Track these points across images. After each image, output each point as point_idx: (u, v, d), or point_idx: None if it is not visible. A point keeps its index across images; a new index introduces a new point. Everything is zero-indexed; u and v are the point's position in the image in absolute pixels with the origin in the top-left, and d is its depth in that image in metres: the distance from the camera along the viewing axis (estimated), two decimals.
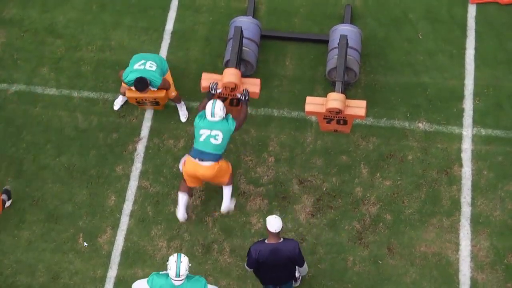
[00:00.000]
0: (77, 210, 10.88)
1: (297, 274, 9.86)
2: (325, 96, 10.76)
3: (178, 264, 8.70)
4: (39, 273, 10.50)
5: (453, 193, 10.73)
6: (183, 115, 11.33)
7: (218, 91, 10.57)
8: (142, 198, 10.93)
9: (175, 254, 8.78)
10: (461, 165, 10.90)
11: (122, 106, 11.48)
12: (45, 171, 11.13)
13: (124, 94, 11.17)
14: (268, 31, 11.88)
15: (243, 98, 10.48)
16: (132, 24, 12.19)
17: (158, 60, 10.97)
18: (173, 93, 11.10)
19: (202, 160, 10.10)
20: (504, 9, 11.96)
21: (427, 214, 10.62)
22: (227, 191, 10.50)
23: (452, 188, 10.76)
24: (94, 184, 11.03)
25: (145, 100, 11.06)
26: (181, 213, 10.51)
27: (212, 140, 10.09)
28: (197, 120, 10.17)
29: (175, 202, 10.84)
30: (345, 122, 10.84)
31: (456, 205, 10.66)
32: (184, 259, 8.74)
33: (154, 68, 10.77)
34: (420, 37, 11.82)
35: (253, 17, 11.89)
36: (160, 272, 9.02)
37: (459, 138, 11.09)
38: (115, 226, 10.77)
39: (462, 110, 11.27)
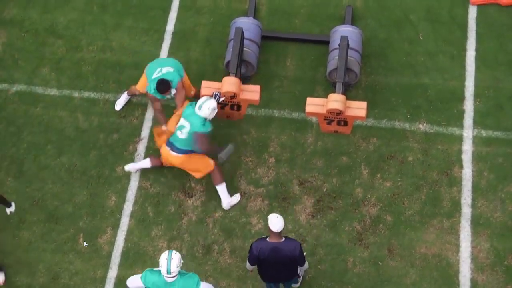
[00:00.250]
0: (78, 211, 10.88)
1: (299, 272, 9.86)
2: (326, 97, 10.77)
3: (169, 261, 8.70)
4: (39, 274, 10.51)
5: (453, 194, 10.73)
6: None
7: (221, 99, 10.63)
8: (143, 198, 10.94)
9: (167, 251, 8.78)
10: (461, 167, 10.90)
11: (123, 107, 11.48)
12: (46, 172, 11.14)
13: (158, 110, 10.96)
14: (269, 32, 11.88)
15: (216, 100, 10.61)
16: (133, 25, 12.20)
17: (173, 63, 10.89)
18: (192, 92, 11.12)
19: (172, 150, 10.48)
20: (504, 10, 11.96)
21: (428, 216, 10.62)
22: (219, 189, 10.63)
23: (453, 189, 10.76)
24: (94, 184, 11.03)
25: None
26: (131, 166, 10.90)
27: (179, 133, 10.39)
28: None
29: (175, 203, 10.84)
30: (345, 123, 10.85)
31: (456, 206, 10.66)
32: (176, 256, 8.73)
33: (171, 70, 10.74)
34: (421, 38, 11.83)
35: (254, 18, 11.89)
36: (154, 269, 9.01)
37: (459, 139, 11.09)
38: (116, 227, 10.77)
39: (462, 111, 11.28)
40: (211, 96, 10.61)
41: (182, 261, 8.81)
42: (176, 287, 8.81)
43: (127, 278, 10.06)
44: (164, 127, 10.83)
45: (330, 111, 10.57)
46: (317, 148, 11.15)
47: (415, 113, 11.29)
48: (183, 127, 10.40)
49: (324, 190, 10.85)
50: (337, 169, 10.98)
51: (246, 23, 11.52)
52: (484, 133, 11.11)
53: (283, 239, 9.09)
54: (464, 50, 11.71)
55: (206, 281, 10.31)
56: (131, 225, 10.77)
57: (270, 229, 9.00)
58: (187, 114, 10.42)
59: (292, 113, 11.42)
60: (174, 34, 12.10)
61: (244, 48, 11.34)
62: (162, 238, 10.63)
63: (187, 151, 10.48)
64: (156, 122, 11.26)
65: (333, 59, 11.20)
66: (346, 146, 11.14)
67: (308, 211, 10.72)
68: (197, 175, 10.71)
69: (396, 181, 10.85)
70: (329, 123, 10.89)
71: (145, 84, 10.83)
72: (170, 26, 12.16)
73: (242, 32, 11.22)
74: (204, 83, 10.82)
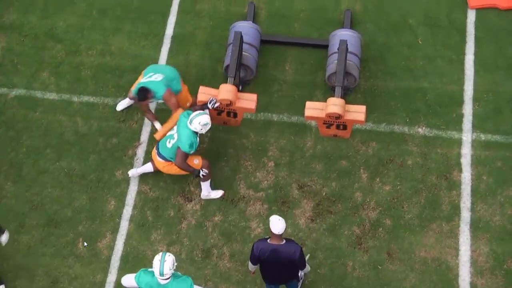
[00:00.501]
0: (77, 215, 10.88)
1: (300, 274, 9.86)
2: (325, 101, 10.78)
3: (162, 263, 8.71)
4: (38, 278, 10.50)
5: (452, 198, 10.74)
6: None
7: (216, 105, 10.63)
8: (142, 202, 10.93)
9: (160, 253, 8.78)
10: (460, 170, 10.91)
11: (124, 110, 11.46)
12: (45, 176, 11.13)
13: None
14: (268, 36, 11.90)
15: (210, 106, 10.62)
16: (132, 29, 12.21)
17: (168, 72, 10.91)
18: (187, 103, 11.08)
19: (158, 154, 10.59)
20: (503, 14, 11.98)
21: (427, 219, 10.62)
22: (202, 184, 10.78)
23: (452, 193, 10.77)
24: (93, 188, 11.03)
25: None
26: (133, 171, 10.98)
27: (167, 142, 10.49)
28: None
29: (175, 207, 10.84)
30: (344, 127, 10.85)
31: (455, 210, 10.66)
32: (169, 258, 8.73)
33: (159, 78, 10.75)
34: (420, 42, 11.84)
35: (253, 22, 11.90)
36: (148, 269, 9.01)
37: (458, 143, 11.10)
38: (115, 231, 10.76)
39: (461, 115, 11.28)
40: (207, 103, 10.64)
41: (175, 264, 8.81)
42: None
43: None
44: (157, 124, 10.93)
45: (329, 115, 10.57)
46: (316, 152, 11.15)
47: (414, 117, 11.30)
48: (172, 137, 10.46)
49: (324, 194, 10.85)
50: (337, 173, 10.99)
51: (245, 27, 11.54)
52: (483, 137, 11.12)
53: (284, 241, 9.10)
54: (463, 54, 11.72)
55: (206, 285, 10.31)
56: (131, 229, 10.76)
57: (271, 231, 9.00)
58: (179, 125, 10.45)
59: (291, 117, 11.42)
60: (174, 38, 12.11)
61: (243, 52, 11.35)
62: (161, 242, 10.63)
63: (170, 160, 10.54)
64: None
65: (332, 63, 11.20)
66: (345, 150, 11.14)
67: (307, 215, 10.72)
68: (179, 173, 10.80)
69: (395, 185, 10.85)
70: (328, 127, 10.89)
71: None
72: (169, 30, 12.17)
73: (241, 36, 11.23)
74: (202, 89, 10.83)
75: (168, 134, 10.57)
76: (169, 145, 10.48)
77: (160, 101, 10.83)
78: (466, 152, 11.03)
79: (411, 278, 10.29)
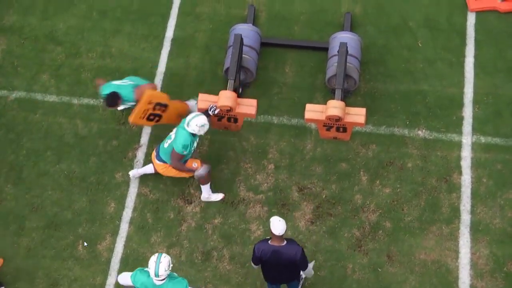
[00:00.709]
0: (77, 217, 10.88)
1: (302, 275, 9.86)
2: (325, 103, 10.78)
3: (157, 264, 8.71)
4: (38, 280, 10.49)
5: (452, 200, 10.74)
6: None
7: (216, 111, 10.63)
8: (142, 205, 10.93)
9: (156, 254, 8.78)
10: (460, 173, 10.91)
11: (124, 110, 11.42)
12: (45, 178, 11.13)
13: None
14: (268, 39, 11.90)
15: (211, 112, 10.63)
16: (132, 31, 12.22)
17: (139, 80, 10.91)
18: (186, 111, 11.08)
19: (156, 157, 10.58)
20: (503, 17, 11.99)
21: (427, 222, 10.62)
22: (202, 187, 10.78)
23: (452, 195, 10.77)
24: (93, 191, 11.03)
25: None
26: (134, 171, 10.99)
27: (165, 143, 10.49)
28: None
29: (175, 209, 10.84)
30: (344, 130, 10.86)
31: (455, 212, 10.66)
32: (164, 260, 8.73)
33: (128, 83, 10.70)
34: (420, 45, 11.85)
35: (253, 24, 11.91)
36: (145, 269, 9.01)
37: (458, 145, 11.10)
38: (115, 233, 10.76)
39: (461, 118, 11.29)
40: (206, 109, 10.65)
41: (171, 265, 8.80)
42: None
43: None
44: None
45: (329, 118, 10.58)
46: (316, 154, 11.16)
47: (414, 120, 11.31)
48: (170, 138, 10.46)
49: (323, 196, 10.85)
50: (336, 175, 10.99)
51: (245, 30, 11.54)
52: (483, 139, 11.12)
53: (285, 242, 9.09)
54: (463, 57, 11.73)
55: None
56: (130, 232, 10.76)
57: (272, 232, 9.01)
58: (178, 128, 10.44)
59: (291, 120, 11.43)
60: (174, 40, 12.11)
61: (243, 55, 11.35)
62: (161, 244, 10.63)
63: (168, 162, 10.54)
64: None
65: (332, 66, 11.21)
66: (345, 152, 11.14)
67: (307, 218, 10.72)
68: (177, 176, 10.79)
69: (395, 188, 10.85)
70: (328, 130, 10.90)
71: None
72: (170, 33, 12.18)
73: (241, 39, 11.23)
74: (201, 96, 10.83)
75: (167, 136, 10.56)
76: (166, 145, 10.48)
77: (132, 103, 10.69)
78: (466, 154, 11.03)
79: (411, 280, 10.29)
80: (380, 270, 10.37)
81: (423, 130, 11.23)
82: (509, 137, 11.10)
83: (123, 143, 11.34)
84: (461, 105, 11.39)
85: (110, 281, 10.45)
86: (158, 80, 11.77)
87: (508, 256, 10.36)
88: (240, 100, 10.79)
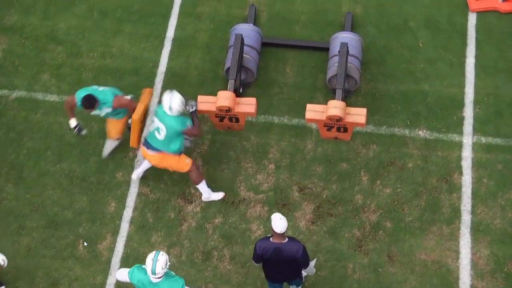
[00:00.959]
0: (77, 217, 10.88)
1: (303, 273, 9.85)
2: (326, 103, 10.77)
3: (154, 262, 8.70)
4: (38, 280, 10.49)
5: (453, 201, 10.74)
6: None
7: (194, 109, 10.52)
8: (142, 204, 10.93)
9: (154, 252, 8.77)
10: (461, 173, 10.91)
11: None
12: (46, 178, 11.13)
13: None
14: (268, 39, 11.90)
15: (190, 109, 10.56)
16: (133, 31, 12.22)
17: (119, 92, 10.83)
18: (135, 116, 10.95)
19: (148, 149, 10.48)
20: (504, 17, 11.99)
21: (427, 222, 10.62)
22: (199, 187, 10.75)
23: (452, 196, 10.77)
24: (94, 190, 11.03)
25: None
26: (136, 173, 10.96)
27: (156, 134, 10.39)
28: (158, 106, 10.52)
29: (175, 209, 10.84)
30: (345, 130, 10.85)
31: (456, 213, 10.66)
32: (162, 258, 8.72)
33: (107, 88, 10.58)
34: (421, 45, 11.85)
35: (253, 24, 11.91)
36: (142, 266, 9.00)
37: (459, 146, 11.10)
38: (115, 233, 10.76)
39: (462, 118, 11.29)
40: (202, 112, 10.67)
41: (168, 263, 8.80)
42: None
43: (127, 285, 10.08)
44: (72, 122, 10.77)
45: (330, 118, 10.57)
46: (316, 154, 11.15)
47: (415, 120, 11.31)
48: (158, 129, 10.36)
49: (324, 196, 10.85)
50: (337, 175, 10.99)
51: (246, 30, 11.54)
52: (483, 139, 11.12)
53: (286, 239, 9.08)
54: (463, 57, 11.73)
55: (206, 287, 10.31)
56: (131, 231, 10.76)
57: (273, 229, 9.00)
58: (160, 116, 10.35)
59: (292, 120, 11.43)
60: (174, 40, 12.12)
61: (244, 55, 11.35)
62: (161, 244, 10.62)
63: (163, 151, 10.47)
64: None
65: (333, 66, 11.21)
66: (346, 152, 11.14)
67: (308, 218, 10.71)
68: (176, 169, 10.71)
69: (395, 188, 10.85)
70: (329, 130, 10.89)
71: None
72: (170, 33, 12.18)
73: (242, 39, 11.23)
74: (200, 98, 10.82)
75: (151, 129, 10.45)
76: (160, 137, 10.36)
77: (108, 110, 10.49)
78: (467, 155, 11.03)
79: (412, 280, 10.29)
80: (380, 270, 10.37)
81: (424, 130, 11.23)
82: (510, 138, 11.10)
83: (124, 143, 11.33)
84: (461, 105, 11.39)
85: (111, 281, 10.45)
86: (159, 80, 11.77)
87: (509, 257, 10.35)
88: (239, 99, 10.79)
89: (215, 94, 11.05)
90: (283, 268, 9.25)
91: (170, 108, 10.22)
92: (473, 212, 10.65)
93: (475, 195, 10.75)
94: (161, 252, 8.74)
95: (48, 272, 10.54)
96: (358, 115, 10.64)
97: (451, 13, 12.08)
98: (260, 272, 10.28)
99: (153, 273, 8.72)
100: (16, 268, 10.56)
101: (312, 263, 9.42)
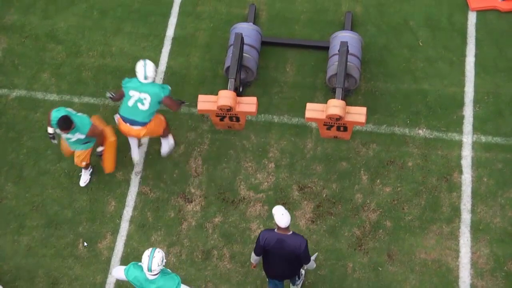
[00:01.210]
0: (77, 216, 10.88)
1: (304, 269, 9.81)
2: (326, 102, 10.78)
3: (150, 259, 8.71)
4: (38, 279, 10.50)
5: (453, 200, 10.74)
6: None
7: (109, 95, 10.72)
8: (142, 204, 10.94)
9: (150, 249, 8.78)
10: (461, 172, 10.91)
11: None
12: (45, 177, 11.13)
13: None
14: (268, 38, 11.90)
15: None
16: (132, 30, 12.22)
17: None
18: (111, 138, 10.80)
19: (132, 125, 10.49)
20: (504, 16, 11.98)
21: (427, 221, 10.62)
22: (164, 140, 10.93)
23: (452, 195, 10.77)
24: (94, 189, 11.03)
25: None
26: (136, 153, 10.97)
27: (140, 106, 10.38)
28: (126, 81, 10.53)
29: (175, 208, 10.85)
30: (345, 129, 10.85)
31: (456, 212, 10.66)
32: (158, 255, 8.73)
33: (84, 115, 10.39)
34: (421, 44, 11.85)
35: (253, 23, 11.91)
36: (139, 263, 9.01)
37: (459, 145, 11.10)
38: (115, 232, 10.77)
39: (462, 117, 11.29)
40: (203, 112, 10.69)
41: (164, 260, 8.80)
42: (156, 285, 8.84)
43: (127, 284, 10.09)
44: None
45: (330, 117, 10.57)
46: (316, 153, 11.15)
47: (415, 119, 11.31)
48: (143, 98, 10.37)
49: (324, 195, 10.85)
50: (337, 174, 10.99)
51: (246, 29, 11.54)
52: (483, 138, 11.12)
53: (291, 232, 9.09)
54: (463, 56, 11.73)
55: (206, 287, 10.32)
56: (131, 231, 10.77)
57: (277, 224, 9.01)
58: (138, 88, 10.38)
59: (291, 119, 11.43)
60: (174, 39, 12.11)
61: (244, 54, 11.35)
62: (161, 243, 10.63)
63: (147, 122, 10.51)
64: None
65: (333, 65, 11.21)
66: (345, 151, 11.14)
67: (307, 217, 10.71)
68: (160, 131, 10.83)
69: (395, 187, 10.85)
70: (328, 129, 10.89)
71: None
72: (170, 32, 12.18)
73: (242, 38, 11.23)
74: (201, 97, 10.82)
75: (133, 101, 10.41)
76: (144, 107, 10.38)
77: (81, 136, 10.27)
78: (467, 154, 11.03)
79: (411, 279, 10.29)
80: (380, 269, 10.37)
81: (424, 129, 11.22)
82: (510, 136, 11.10)
83: (124, 142, 11.33)
84: (461, 104, 11.38)
85: (111, 280, 10.45)
86: (159, 79, 11.77)
87: (509, 256, 10.36)
88: (240, 98, 10.79)
89: (215, 93, 11.07)
90: (284, 262, 9.23)
91: (146, 77, 10.33)
92: (473, 211, 10.65)
93: (475, 194, 10.75)
94: (157, 249, 8.75)
95: (48, 271, 10.55)
96: (358, 114, 10.64)
97: (451, 12, 12.07)
98: (260, 271, 10.29)
99: (149, 270, 8.73)
100: (16, 267, 10.57)
101: (313, 258, 9.42)
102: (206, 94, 11.35)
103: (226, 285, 10.36)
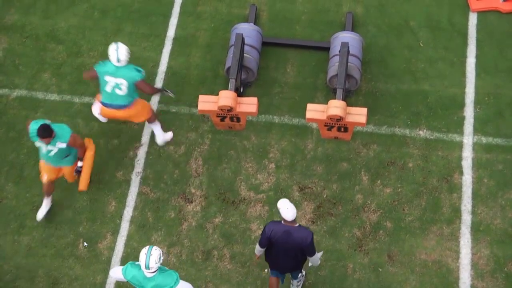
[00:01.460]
0: (78, 216, 10.88)
1: (303, 272, 9.83)
2: (326, 103, 10.77)
3: (148, 256, 8.72)
4: (39, 279, 10.49)
5: (453, 201, 10.74)
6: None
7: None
8: (143, 204, 10.93)
9: (147, 246, 8.78)
10: (461, 173, 10.91)
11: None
12: None
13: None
14: (269, 38, 11.90)
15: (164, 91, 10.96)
16: (133, 30, 12.22)
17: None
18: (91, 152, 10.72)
19: (115, 108, 10.59)
20: (504, 17, 11.98)
21: (428, 222, 10.61)
22: (155, 127, 11.00)
23: (453, 196, 10.76)
24: (94, 189, 11.03)
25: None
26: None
27: (117, 91, 10.46)
28: (100, 65, 10.57)
29: (175, 208, 10.84)
30: (345, 129, 10.85)
31: (456, 213, 10.66)
32: (155, 252, 8.74)
33: (64, 125, 10.31)
34: (421, 45, 11.84)
35: (254, 24, 11.91)
36: (136, 262, 9.02)
37: (459, 146, 11.10)
38: (115, 232, 10.76)
39: (462, 118, 11.29)
40: (203, 112, 10.67)
41: (162, 258, 8.80)
42: (154, 282, 8.84)
43: (127, 284, 10.08)
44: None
45: (331, 117, 10.57)
46: (317, 154, 11.15)
47: (415, 120, 11.30)
48: (119, 84, 10.43)
49: (324, 196, 10.85)
50: (337, 175, 10.99)
51: (247, 29, 11.54)
52: (484, 139, 11.12)
53: (297, 224, 9.11)
54: (464, 57, 11.73)
55: (206, 287, 10.31)
56: (131, 231, 10.76)
57: (283, 218, 9.02)
58: (112, 73, 10.41)
59: (292, 119, 11.43)
60: (175, 39, 12.11)
61: (245, 54, 11.35)
62: (162, 243, 10.62)
63: (131, 102, 10.59)
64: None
65: (334, 65, 11.21)
66: (346, 152, 11.14)
67: (308, 217, 10.71)
68: (146, 116, 10.89)
69: (396, 187, 10.85)
70: (329, 129, 10.89)
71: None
72: (171, 32, 12.18)
73: (243, 38, 11.23)
74: (201, 98, 10.82)
75: (110, 87, 10.48)
76: (122, 92, 10.46)
77: (62, 145, 10.12)
78: (467, 155, 11.03)
79: (412, 280, 10.29)
80: (380, 270, 10.37)
81: (424, 130, 11.22)
82: (510, 138, 11.10)
83: (124, 142, 11.34)
84: (462, 105, 11.38)
85: (111, 280, 10.45)
86: (160, 79, 11.77)
87: (509, 257, 10.35)
88: (240, 99, 10.79)
89: (215, 94, 11.06)
90: (289, 254, 9.23)
91: (119, 60, 10.37)
92: (473, 212, 10.65)
93: (475, 195, 10.75)
94: (154, 247, 8.76)
95: (48, 271, 10.55)
96: (358, 114, 10.64)
97: (452, 13, 12.07)
98: (261, 272, 10.30)
99: (147, 267, 8.74)
100: (16, 267, 10.57)
101: (319, 254, 9.42)
102: (206, 94, 11.35)
103: (226, 285, 10.36)
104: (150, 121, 11.02)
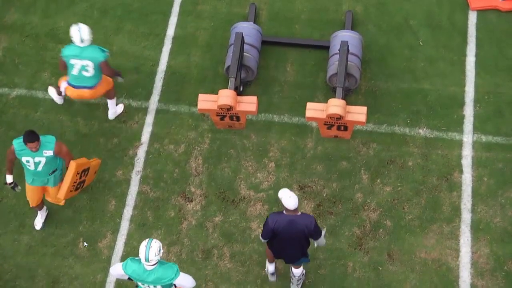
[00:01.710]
0: (77, 215, 10.88)
1: (315, 245, 9.80)
2: (326, 102, 10.77)
3: (147, 249, 8.73)
4: (39, 278, 10.49)
5: (453, 199, 10.74)
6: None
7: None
8: (142, 203, 10.93)
9: (147, 239, 8.78)
10: (461, 172, 10.91)
11: (123, 112, 11.48)
12: None
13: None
14: (269, 37, 11.90)
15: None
16: (133, 29, 12.22)
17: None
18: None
19: (83, 89, 10.83)
20: (504, 16, 11.99)
21: (427, 220, 10.62)
22: (111, 102, 11.28)
23: (453, 194, 10.77)
24: (94, 188, 11.03)
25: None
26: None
27: (84, 73, 10.64)
28: (64, 49, 10.72)
29: (175, 207, 10.84)
30: (345, 128, 10.85)
31: (456, 211, 10.66)
32: (155, 245, 8.74)
33: (49, 135, 10.24)
34: (421, 43, 11.85)
35: (254, 23, 11.91)
36: (135, 257, 9.02)
37: (459, 144, 11.10)
38: (115, 231, 10.76)
39: (462, 117, 11.29)
40: (203, 111, 10.67)
41: (162, 250, 8.80)
42: (155, 275, 8.84)
43: (127, 283, 10.09)
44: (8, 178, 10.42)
45: (330, 116, 10.57)
46: (317, 153, 11.15)
47: (415, 118, 11.31)
48: (85, 65, 10.59)
49: (324, 195, 10.85)
50: (337, 174, 10.99)
51: (246, 28, 11.54)
52: (484, 138, 11.12)
53: (299, 213, 9.16)
54: (464, 55, 11.73)
55: (206, 286, 10.32)
56: (131, 230, 10.77)
57: (285, 207, 9.04)
58: (77, 55, 10.56)
59: (292, 118, 11.43)
60: (175, 39, 12.11)
61: (244, 53, 11.35)
62: (162, 242, 10.61)
63: (97, 83, 10.78)
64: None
65: (333, 64, 11.21)
66: (346, 151, 11.14)
67: None
68: (111, 93, 11.14)
69: (396, 186, 10.85)
70: (329, 128, 10.89)
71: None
72: (171, 31, 12.18)
73: (242, 37, 11.23)
74: (201, 97, 10.82)
75: (76, 70, 10.64)
76: (89, 73, 10.66)
77: (50, 153, 10.00)
78: (467, 153, 11.03)
79: (412, 279, 10.29)
80: (380, 268, 10.37)
81: (424, 129, 11.23)
82: (510, 136, 11.10)
83: (124, 141, 11.34)
84: (462, 103, 11.38)
85: (111, 279, 10.45)
86: (159, 78, 11.78)
87: (509, 255, 10.35)
88: (240, 98, 10.79)
89: (215, 93, 11.07)
90: (294, 242, 9.24)
91: (82, 40, 10.51)
92: (473, 211, 10.65)
93: (475, 193, 10.75)
94: (154, 240, 8.77)
95: (48, 270, 10.55)
96: (358, 113, 10.64)
97: (452, 12, 12.08)
98: (261, 271, 10.30)
99: (147, 260, 8.75)
100: (16, 266, 10.57)
101: (323, 232, 9.43)
102: (206, 93, 11.35)
103: (226, 284, 10.36)
104: (110, 97, 11.17)
